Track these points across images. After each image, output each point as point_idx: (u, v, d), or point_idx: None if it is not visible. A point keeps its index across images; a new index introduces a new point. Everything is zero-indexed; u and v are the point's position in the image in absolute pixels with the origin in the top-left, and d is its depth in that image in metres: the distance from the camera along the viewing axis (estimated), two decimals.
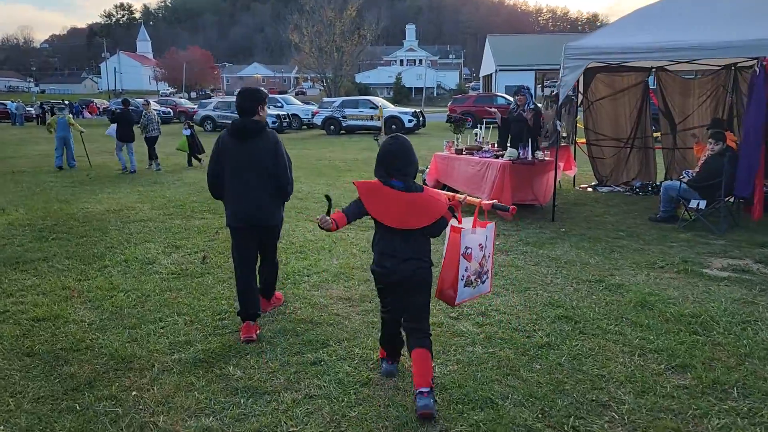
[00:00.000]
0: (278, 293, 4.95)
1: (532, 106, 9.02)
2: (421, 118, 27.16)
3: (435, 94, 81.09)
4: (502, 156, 8.40)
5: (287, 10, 66.55)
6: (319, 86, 66.47)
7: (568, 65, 7.73)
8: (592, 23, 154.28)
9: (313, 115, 29.20)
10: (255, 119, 4.20)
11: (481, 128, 10.26)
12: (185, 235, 7.42)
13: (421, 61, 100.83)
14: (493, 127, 10.36)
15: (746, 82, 9.77)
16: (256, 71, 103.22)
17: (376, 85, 77.82)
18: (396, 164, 3.23)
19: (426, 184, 6.49)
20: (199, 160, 15.23)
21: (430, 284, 3.36)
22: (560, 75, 7.82)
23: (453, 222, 3.39)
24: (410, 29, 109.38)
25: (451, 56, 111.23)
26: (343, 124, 26.92)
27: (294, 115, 30.44)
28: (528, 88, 9.36)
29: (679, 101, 10.29)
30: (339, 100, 28.21)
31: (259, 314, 4.34)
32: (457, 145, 9.98)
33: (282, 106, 30.95)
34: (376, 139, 10.84)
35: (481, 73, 60.16)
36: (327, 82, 57.44)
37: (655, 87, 10.56)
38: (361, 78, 77.39)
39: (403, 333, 3.47)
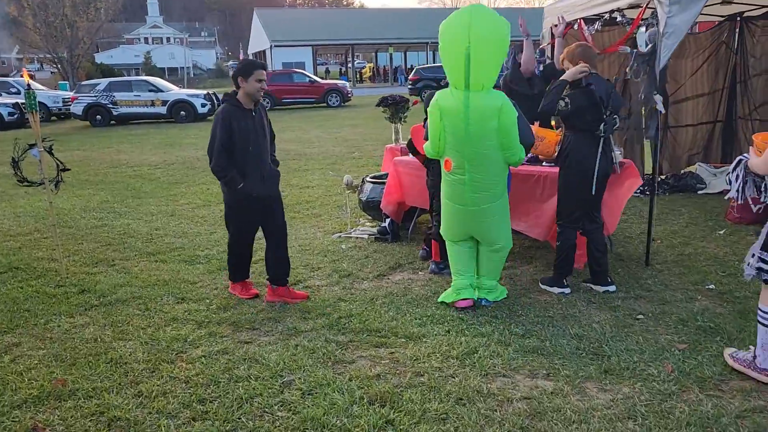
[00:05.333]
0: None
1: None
2: (215, 101, 22.20)
3: (192, 75, 73.28)
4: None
5: None
6: (50, 68, 55.36)
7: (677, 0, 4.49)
8: None
9: (67, 102, 22.40)
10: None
11: None
12: None
13: (169, 39, 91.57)
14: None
15: (754, 36, 7.62)
16: None
17: (121, 65, 67.81)
18: None
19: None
20: None
21: None
22: (659, 16, 4.55)
23: None
24: (153, 4, 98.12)
25: (203, 33, 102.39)
26: (114, 113, 20.83)
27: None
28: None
29: (671, 64, 7.72)
30: (104, 82, 21.70)
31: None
32: (401, 142, 6.42)
33: (19, 93, 23.30)
34: None
35: (250, 50, 54.79)
36: (62, 63, 47.57)
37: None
38: (103, 58, 66.61)
39: None
